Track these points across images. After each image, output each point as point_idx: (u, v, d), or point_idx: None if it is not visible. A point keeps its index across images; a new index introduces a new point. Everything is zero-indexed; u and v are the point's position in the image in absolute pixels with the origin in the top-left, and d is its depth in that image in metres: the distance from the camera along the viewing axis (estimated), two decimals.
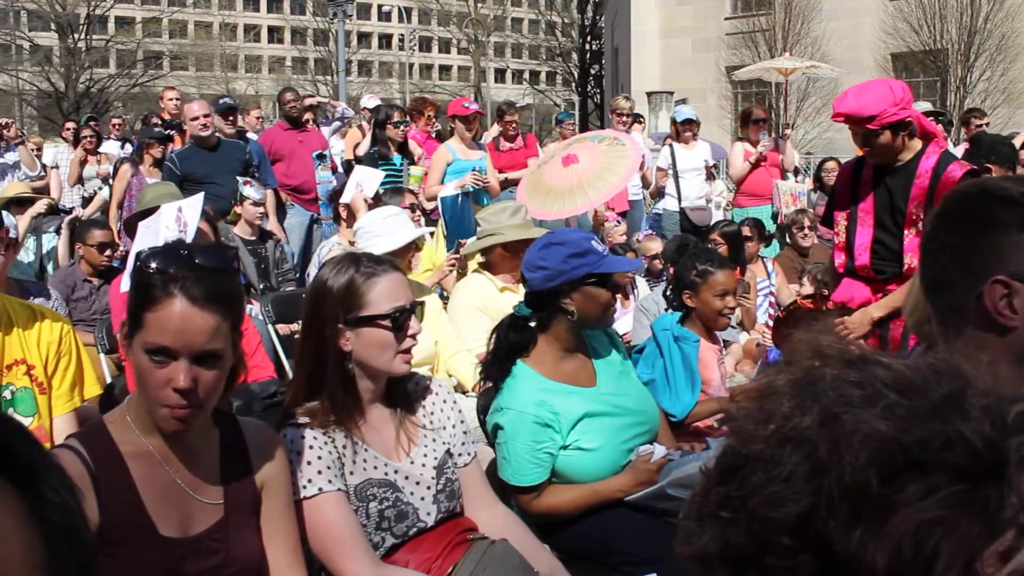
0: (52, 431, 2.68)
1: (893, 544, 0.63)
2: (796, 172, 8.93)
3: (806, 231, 6.44)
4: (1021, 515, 0.61)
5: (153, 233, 2.88)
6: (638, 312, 4.84)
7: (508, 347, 2.80)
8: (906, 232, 3.67)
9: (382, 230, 3.95)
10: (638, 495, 2.70)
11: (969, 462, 0.63)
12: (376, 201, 5.15)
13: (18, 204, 6.23)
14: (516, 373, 2.76)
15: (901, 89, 3.64)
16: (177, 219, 2.86)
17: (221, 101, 7.70)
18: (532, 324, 2.79)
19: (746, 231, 6.04)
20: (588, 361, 2.90)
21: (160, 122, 9.45)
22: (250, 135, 8.55)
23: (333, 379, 2.17)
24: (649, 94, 20.66)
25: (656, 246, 6.36)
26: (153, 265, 1.73)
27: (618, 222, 6.85)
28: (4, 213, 3.24)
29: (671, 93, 20.06)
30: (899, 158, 3.69)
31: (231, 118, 7.56)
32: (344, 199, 5.30)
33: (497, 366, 2.81)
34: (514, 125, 7.97)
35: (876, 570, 0.63)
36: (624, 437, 2.81)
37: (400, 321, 2.18)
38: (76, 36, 41.65)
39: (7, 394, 2.61)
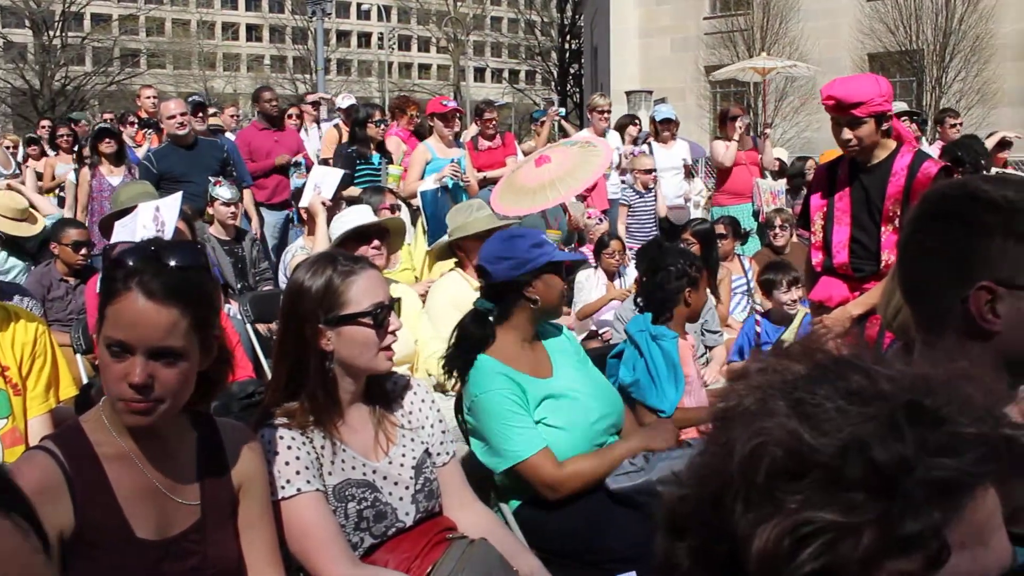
0: (27, 433, 2.66)
1: (772, 536, 0.66)
2: (779, 171, 8.99)
3: (777, 231, 6.47)
4: (931, 542, 0.63)
5: (130, 232, 2.87)
6: (620, 310, 4.87)
7: (470, 341, 2.83)
8: (883, 229, 3.71)
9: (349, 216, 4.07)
10: (626, 484, 2.71)
11: (868, 475, 0.66)
12: (335, 204, 5.11)
13: None
14: (478, 364, 2.80)
15: (886, 84, 3.74)
16: (155, 218, 2.85)
17: (191, 98, 7.66)
18: (491, 318, 2.85)
19: (721, 229, 6.09)
20: (545, 353, 2.96)
21: (136, 120, 9.39)
22: (228, 134, 8.51)
23: (313, 379, 2.16)
24: (628, 93, 20.69)
25: (649, 162, 6.94)
26: (116, 259, 1.72)
27: (600, 220, 6.88)
28: None
29: (650, 92, 20.09)
30: (875, 155, 3.73)
31: (200, 115, 7.53)
32: (302, 203, 5.26)
33: (460, 360, 2.84)
34: (493, 124, 7.96)
35: (752, 555, 0.67)
36: (590, 420, 2.85)
37: (380, 317, 2.18)
38: (51, 33, 41.27)
39: None
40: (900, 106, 9.15)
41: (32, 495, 1.51)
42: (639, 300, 3.78)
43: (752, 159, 8.32)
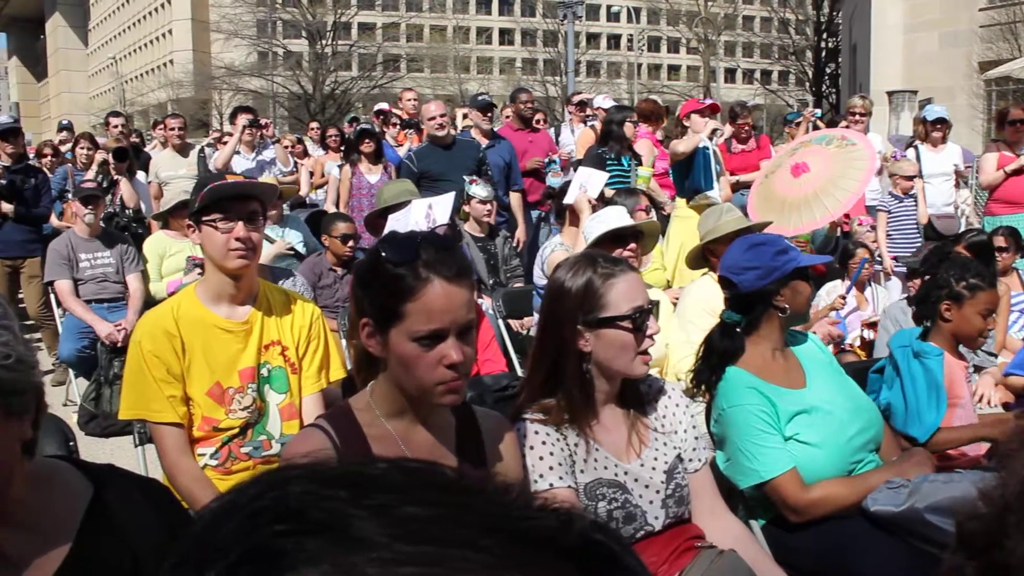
0: (301, 409, 2.87)
1: None
2: None
3: None
4: None
5: (403, 226, 3.01)
6: (884, 319, 4.59)
7: (719, 354, 2.77)
8: None
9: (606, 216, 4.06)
10: (889, 509, 2.53)
11: None
12: (601, 202, 5.16)
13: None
14: (727, 376, 2.73)
15: None
16: (427, 215, 2.98)
17: (480, 97, 7.89)
18: (739, 330, 2.78)
19: (1000, 241, 5.58)
20: (796, 361, 2.85)
21: (398, 121, 9.91)
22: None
23: (571, 379, 2.18)
24: (890, 93, 19.49)
25: (911, 167, 6.46)
26: (396, 259, 1.78)
27: (871, 227, 6.54)
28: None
29: (915, 92, 18.83)
30: None
31: (488, 115, 7.75)
32: (568, 199, 5.34)
33: (708, 372, 2.78)
34: (747, 127, 7.76)
35: None
36: (846, 436, 2.69)
37: (639, 322, 2.17)
38: (323, 42, 44.57)
39: (264, 372, 2.81)
40: None
41: None
42: (912, 303, 3.54)
43: None
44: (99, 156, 7.74)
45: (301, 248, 6.07)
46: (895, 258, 7.04)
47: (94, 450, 5.15)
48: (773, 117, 38.77)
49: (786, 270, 2.74)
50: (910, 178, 7.17)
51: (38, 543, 1.37)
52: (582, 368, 2.19)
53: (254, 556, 0.47)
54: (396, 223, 3.09)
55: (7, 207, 6.97)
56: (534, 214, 8.13)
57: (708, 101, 7.02)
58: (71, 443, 2.80)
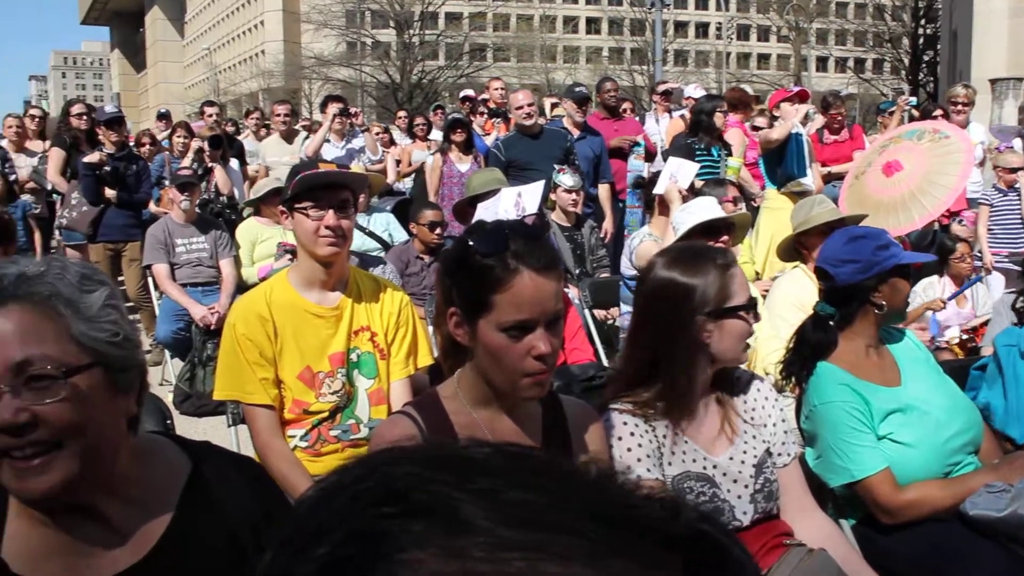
0: (389, 394, 2.90)
1: None
2: None
3: None
4: None
5: (492, 214, 3.02)
6: (996, 313, 4.44)
7: (810, 347, 2.70)
8: None
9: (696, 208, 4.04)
10: (990, 514, 2.44)
11: None
12: (691, 192, 5.09)
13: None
14: (819, 372, 2.67)
15: None
16: (516, 203, 2.98)
17: (577, 89, 7.86)
18: (832, 323, 2.71)
19: None
20: (892, 358, 2.77)
21: (486, 110, 9.94)
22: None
23: (680, 370, 2.16)
24: (993, 81, 18.79)
25: (1017, 159, 6.23)
26: (485, 249, 1.77)
27: (971, 225, 6.33)
28: None
29: (1020, 80, 18.10)
30: None
31: (583, 108, 7.71)
32: (658, 189, 5.28)
33: (799, 365, 2.72)
34: (839, 116, 7.58)
35: None
36: (943, 437, 2.60)
37: (754, 311, 2.19)
38: (411, 32, 44.99)
39: (354, 356, 2.86)
40: None
41: None
42: (1018, 306, 3.41)
43: None
44: (194, 144, 7.96)
45: (386, 237, 6.14)
46: (996, 254, 6.79)
47: (188, 429, 5.30)
48: (866, 107, 37.68)
49: (887, 266, 2.66)
50: (1014, 171, 6.89)
51: (141, 515, 1.42)
52: (695, 359, 2.17)
53: (359, 537, 0.47)
54: (485, 211, 3.10)
55: (110, 193, 7.22)
56: (618, 203, 8.06)
57: (796, 88, 6.87)
58: (168, 421, 2.89)
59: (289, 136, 8.59)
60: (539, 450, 0.54)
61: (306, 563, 0.47)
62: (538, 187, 3.20)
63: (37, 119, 9.78)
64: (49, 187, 8.25)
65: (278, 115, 8.74)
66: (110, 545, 1.38)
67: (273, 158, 8.37)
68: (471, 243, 1.78)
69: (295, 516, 0.52)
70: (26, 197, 8.42)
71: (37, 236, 8.43)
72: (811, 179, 6.46)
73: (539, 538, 0.46)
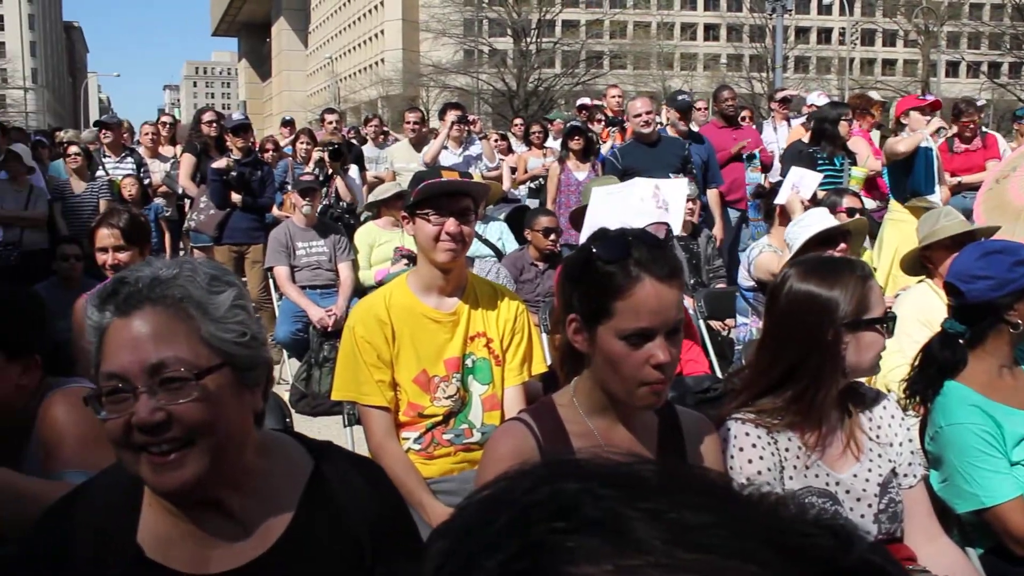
0: (503, 400, 2.92)
1: None
2: None
3: None
4: None
5: (622, 200, 2.95)
6: None
7: (937, 366, 2.59)
8: None
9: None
10: None
11: None
12: (814, 203, 4.96)
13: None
14: (946, 391, 2.56)
15: None
16: (655, 195, 2.92)
17: (680, 98, 7.79)
18: (962, 342, 2.59)
19: None
20: None
21: (603, 118, 9.91)
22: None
23: (815, 381, 2.10)
24: None
25: None
26: (607, 256, 1.77)
27: None
28: None
29: None
30: None
31: (686, 116, 7.63)
32: (779, 200, 5.16)
33: (925, 384, 2.61)
34: (972, 125, 7.27)
35: None
36: None
37: (891, 324, 2.14)
38: (528, 40, 45.28)
39: (469, 362, 2.89)
40: None
41: (508, 460, 1.64)
42: None
43: None
44: (316, 154, 8.17)
45: (500, 246, 6.18)
46: None
47: (303, 428, 5.40)
48: (1001, 113, 35.98)
49: (1022, 283, 2.53)
50: None
51: (263, 510, 1.46)
52: (835, 372, 2.11)
53: (531, 551, 0.47)
54: (608, 196, 3.04)
55: (236, 197, 7.49)
56: (734, 214, 7.92)
57: (929, 97, 6.60)
58: (287, 419, 2.97)
59: (419, 143, 8.70)
60: (709, 470, 0.53)
61: (478, 574, 0.48)
62: (683, 184, 3.13)
63: (168, 126, 10.24)
64: (180, 191, 8.61)
65: (408, 122, 8.87)
66: (235, 538, 1.43)
67: (401, 164, 8.48)
68: (594, 249, 1.78)
69: (458, 526, 0.52)
70: (158, 200, 8.84)
71: (167, 238, 8.84)
72: (938, 196, 6.20)
73: (714, 561, 0.46)
